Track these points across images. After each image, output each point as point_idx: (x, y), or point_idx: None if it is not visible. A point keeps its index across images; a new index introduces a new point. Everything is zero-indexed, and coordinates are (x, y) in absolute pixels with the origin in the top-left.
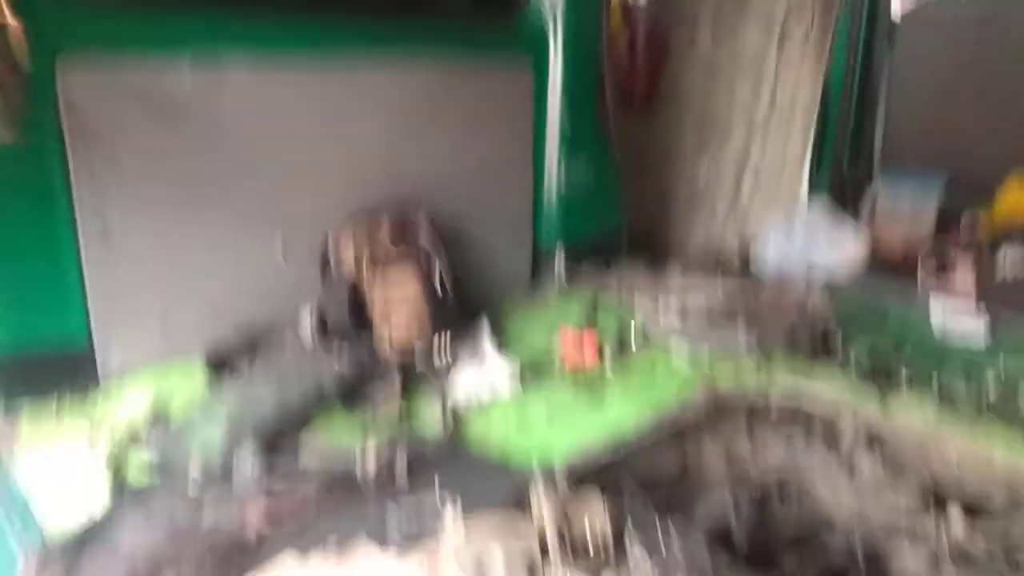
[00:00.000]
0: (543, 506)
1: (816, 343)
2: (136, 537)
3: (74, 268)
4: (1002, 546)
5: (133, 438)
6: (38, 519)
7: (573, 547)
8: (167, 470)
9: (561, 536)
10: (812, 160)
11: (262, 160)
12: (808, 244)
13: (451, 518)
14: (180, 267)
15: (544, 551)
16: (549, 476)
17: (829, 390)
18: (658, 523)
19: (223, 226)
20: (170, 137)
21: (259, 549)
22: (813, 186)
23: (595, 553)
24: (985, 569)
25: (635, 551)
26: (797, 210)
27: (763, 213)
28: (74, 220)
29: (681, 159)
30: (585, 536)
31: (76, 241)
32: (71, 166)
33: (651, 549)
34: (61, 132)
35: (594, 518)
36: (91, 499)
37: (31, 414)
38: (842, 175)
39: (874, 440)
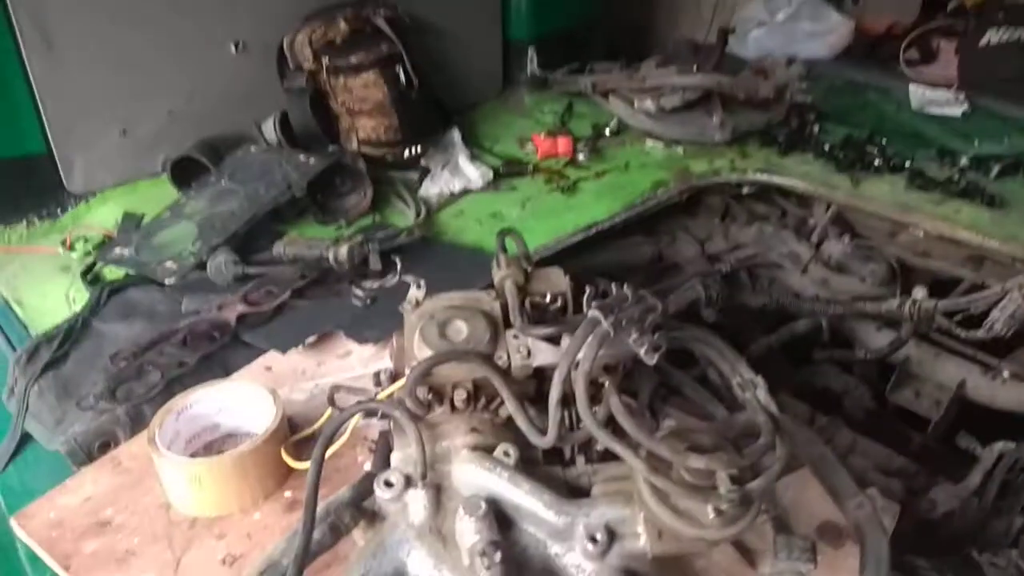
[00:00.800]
0: (504, 276)
1: (792, 131)
2: (118, 326)
3: (22, 83)
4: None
5: (107, 240)
6: (23, 320)
7: (534, 315)
8: (142, 267)
9: (522, 303)
10: None
11: None
12: (790, 31)
13: (418, 296)
14: (135, 77)
15: (506, 319)
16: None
17: (803, 176)
18: (615, 289)
19: (175, 32)
20: None
21: (239, 330)
22: None
23: (555, 319)
24: (945, 348)
25: (592, 313)
26: None
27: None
28: (12, 29)
29: None
30: (545, 304)
31: (19, 53)
32: None
33: (607, 311)
34: None
35: (556, 288)
36: (71, 300)
37: (1, 232)
38: None
39: (844, 225)
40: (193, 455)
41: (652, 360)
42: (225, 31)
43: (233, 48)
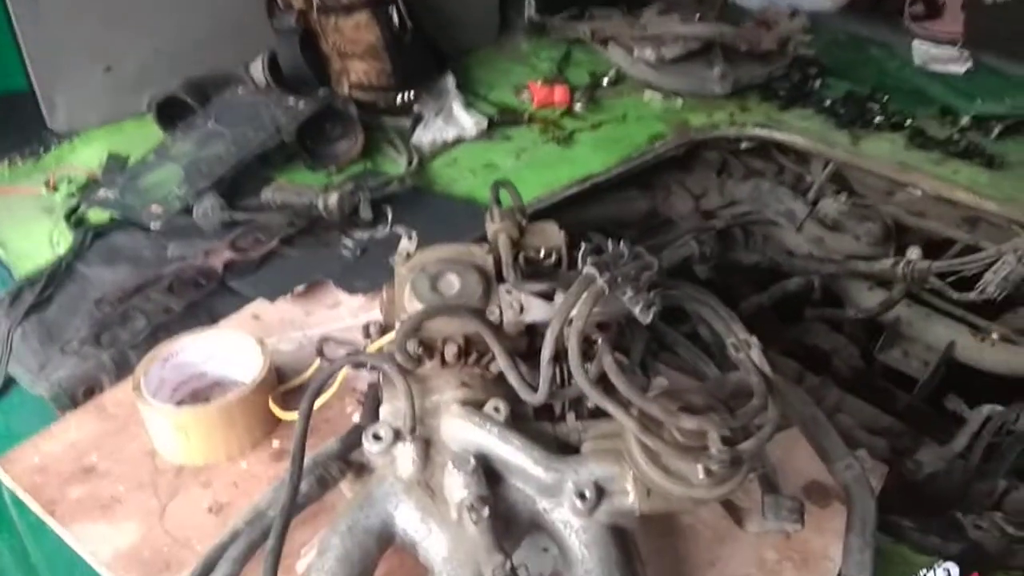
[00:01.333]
0: (498, 229)
1: (793, 85)
2: (103, 270)
3: (2, 16)
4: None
5: (91, 182)
6: (6, 263)
7: (527, 270)
8: (127, 210)
9: (515, 258)
10: None
11: None
12: None
13: (409, 248)
14: (119, 13)
15: (499, 273)
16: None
17: (802, 132)
18: (611, 246)
19: None
20: None
21: (226, 277)
22: None
23: (549, 275)
24: (936, 309)
25: (587, 270)
26: None
27: None
28: None
29: None
30: (539, 258)
31: None
32: None
33: (603, 268)
34: None
35: (550, 243)
36: (55, 242)
37: None
38: None
39: (841, 183)
40: (179, 403)
41: (647, 319)
42: None
43: None
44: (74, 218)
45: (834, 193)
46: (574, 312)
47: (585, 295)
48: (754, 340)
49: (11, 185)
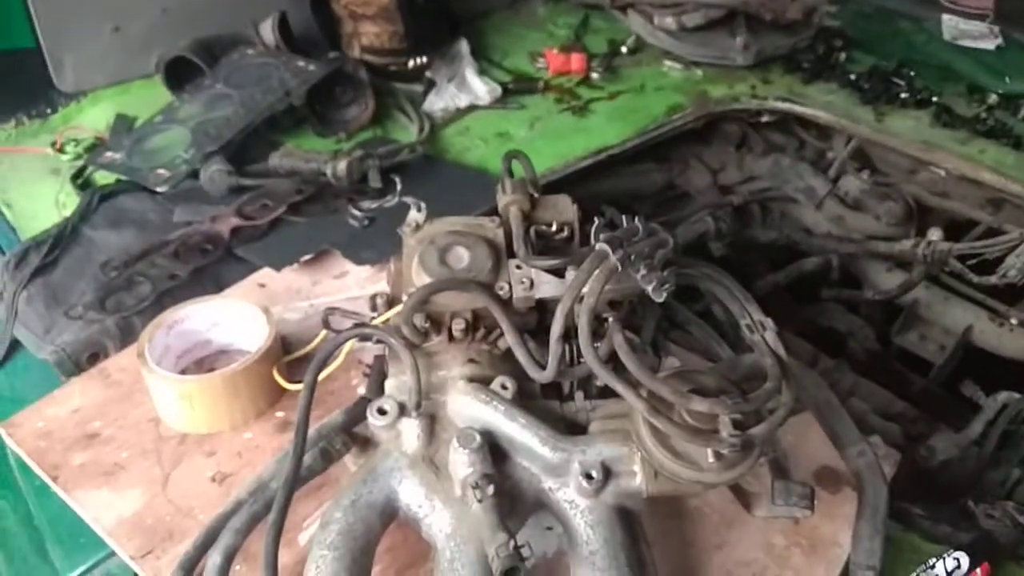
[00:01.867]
0: (509, 202)
1: (818, 57)
2: (108, 233)
3: None
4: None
5: (98, 143)
6: (12, 224)
7: (538, 245)
8: (133, 173)
9: (527, 232)
10: None
11: None
12: None
13: (418, 219)
14: None
15: (509, 247)
16: (520, 179)
17: (825, 106)
18: (625, 221)
19: None
20: None
21: (232, 244)
22: None
23: (560, 250)
24: (955, 292)
25: (600, 246)
26: None
27: None
28: None
29: None
30: (551, 233)
31: None
32: None
33: (616, 244)
34: None
35: (562, 217)
36: (61, 204)
37: None
38: None
39: (864, 161)
40: (183, 371)
41: (660, 297)
42: None
43: None
44: (80, 180)
45: (856, 171)
46: (585, 289)
47: (597, 272)
48: (769, 322)
49: (17, 145)
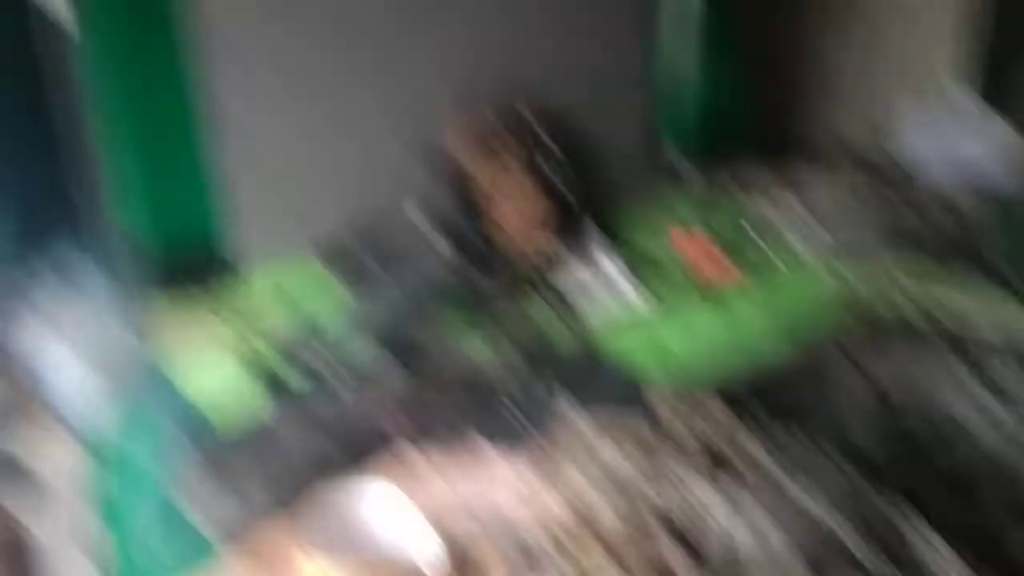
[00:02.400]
0: (663, 407)
1: (973, 257)
2: (296, 438)
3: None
4: None
5: (287, 346)
6: (200, 420)
7: (692, 449)
8: (320, 377)
9: (680, 437)
10: (954, 37)
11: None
12: (955, 137)
13: (574, 422)
14: (295, 157)
15: (662, 452)
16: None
17: (986, 313)
18: (781, 431)
19: (332, 114)
20: (288, 29)
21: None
22: (957, 69)
23: (712, 456)
24: None
25: (755, 454)
26: (939, 97)
27: (898, 100)
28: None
29: (807, 42)
30: (704, 438)
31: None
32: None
33: (772, 453)
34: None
35: (716, 423)
36: (246, 401)
37: (169, 309)
38: (991, 52)
39: None
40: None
41: None
42: (377, 117)
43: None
44: (268, 383)
45: None
46: None
47: None
48: None
49: (201, 337)
